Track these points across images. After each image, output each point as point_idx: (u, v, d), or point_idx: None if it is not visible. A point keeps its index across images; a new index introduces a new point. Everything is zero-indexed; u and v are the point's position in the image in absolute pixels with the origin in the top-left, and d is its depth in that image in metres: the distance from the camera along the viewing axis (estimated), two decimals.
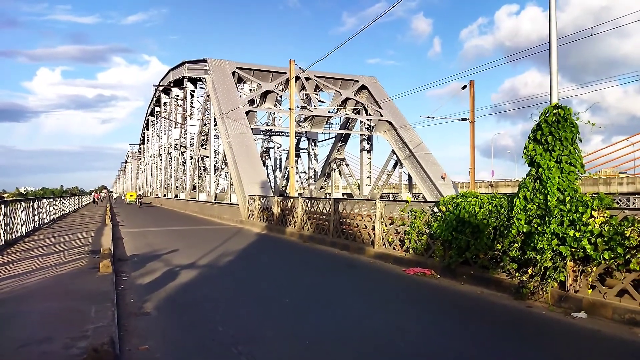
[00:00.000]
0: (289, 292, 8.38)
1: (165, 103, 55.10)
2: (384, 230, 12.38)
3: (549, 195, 7.47)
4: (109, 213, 26.74)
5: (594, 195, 7.18)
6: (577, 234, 6.83)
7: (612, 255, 6.42)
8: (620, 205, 10.60)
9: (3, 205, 13.39)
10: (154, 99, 57.94)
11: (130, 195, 67.79)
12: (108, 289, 7.51)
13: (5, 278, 8.32)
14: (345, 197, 38.86)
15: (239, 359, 4.92)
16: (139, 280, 9.24)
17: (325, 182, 43.74)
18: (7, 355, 4.60)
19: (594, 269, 6.77)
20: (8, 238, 13.57)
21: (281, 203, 20.78)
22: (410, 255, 11.03)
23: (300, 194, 33.54)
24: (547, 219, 7.35)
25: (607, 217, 6.77)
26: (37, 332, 5.23)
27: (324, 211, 16.38)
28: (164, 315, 6.73)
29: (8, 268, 9.40)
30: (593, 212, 6.87)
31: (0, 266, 9.61)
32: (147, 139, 75.50)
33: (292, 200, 19.72)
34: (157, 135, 64.20)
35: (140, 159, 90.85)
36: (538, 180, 7.75)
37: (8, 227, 13.73)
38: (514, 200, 8.11)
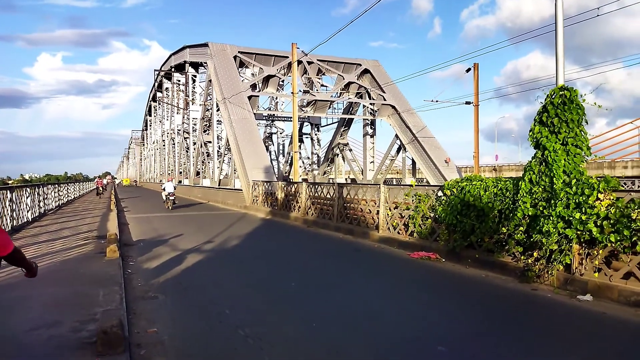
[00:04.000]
0: (294, 276, 8.43)
1: (167, 88, 54.86)
2: (388, 214, 12.38)
3: (554, 178, 7.44)
4: (114, 199, 26.85)
5: (600, 177, 7.14)
6: (583, 217, 6.81)
7: (619, 238, 6.41)
8: (625, 188, 10.54)
9: (8, 192, 13.45)
10: (156, 84, 57.71)
11: (126, 181, 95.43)
12: (115, 273, 7.57)
13: None
14: (349, 182, 38.88)
15: (246, 342, 4.97)
16: (146, 264, 9.31)
17: (329, 168, 43.69)
18: (18, 339, 4.65)
19: (600, 251, 6.77)
20: (14, 224, 13.65)
21: (285, 188, 20.80)
22: (415, 239, 11.05)
23: (304, 179, 33.53)
24: (552, 201, 7.33)
25: (613, 199, 6.74)
26: (46, 316, 5.29)
27: (328, 196, 16.39)
28: (171, 298, 6.78)
29: None
30: (599, 194, 6.84)
31: None
32: (150, 125, 75.39)
33: (295, 185, 19.73)
34: (160, 121, 64.11)
35: (143, 145, 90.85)
36: (544, 163, 7.71)
37: (14, 213, 13.80)
38: (520, 183, 8.08)
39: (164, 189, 25.24)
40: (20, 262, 3.16)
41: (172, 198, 24.31)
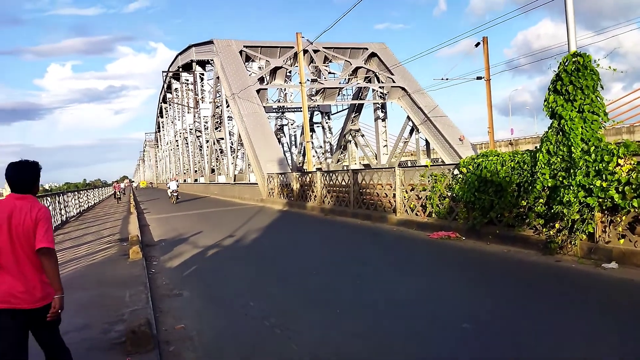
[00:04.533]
0: (315, 265, 8.46)
1: (176, 89, 55.12)
2: (405, 197, 12.32)
3: (572, 147, 7.29)
4: (133, 202, 27.23)
5: (619, 143, 6.98)
6: (604, 184, 6.69)
7: None
8: None
9: None
10: (165, 85, 58.02)
11: (143, 183, 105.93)
12: (139, 273, 7.69)
13: None
14: (363, 168, 38.74)
15: (272, 332, 5.01)
16: (169, 263, 9.43)
17: (342, 155, 43.56)
18: None
19: (623, 217, 6.65)
20: None
21: (300, 179, 20.83)
22: (433, 219, 10.98)
23: (318, 169, 33.53)
24: (572, 171, 7.20)
25: (634, 164, 6.59)
26: (76, 320, 5.39)
27: (343, 183, 16.37)
28: (196, 294, 6.87)
29: None
30: (619, 160, 6.70)
31: None
32: (162, 126, 75.98)
33: (310, 175, 19.74)
34: (172, 122, 64.52)
35: (158, 146, 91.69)
36: (561, 132, 7.56)
37: None
38: (537, 154, 7.95)
39: (169, 187, 31.86)
40: (53, 267, 3.15)
41: (176, 194, 30.44)
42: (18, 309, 3.04)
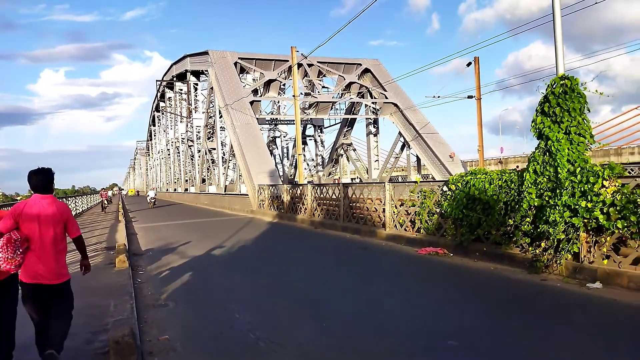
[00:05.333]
0: (302, 278, 8.45)
1: (169, 98, 55.16)
2: (394, 212, 12.38)
3: (559, 168, 7.42)
4: (121, 210, 27.01)
5: (604, 165, 7.12)
6: (589, 205, 6.80)
7: (626, 224, 6.39)
8: (632, 174, 10.40)
9: None
10: (158, 94, 58.03)
11: (132, 191, 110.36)
12: (125, 283, 7.63)
13: None
14: (355, 181, 38.84)
15: (257, 344, 5.00)
16: (155, 273, 9.36)
17: (334, 168, 43.71)
18: (31, 352, 4.70)
19: (608, 238, 6.75)
20: None
21: (290, 191, 20.84)
22: (422, 235, 11.04)
23: (309, 182, 33.54)
24: (558, 191, 7.32)
25: (619, 186, 6.72)
26: None
27: (334, 197, 16.41)
28: (181, 305, 6.82)
29: None
30: (604, 181, 6.83)
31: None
32: (154, 135, 75.76)
33: (301, 187, 19.76)
34: (164, 131, 64.38)
35: (149, 155, 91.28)
36: (547, 153, 7.69)
37: None
38: (524, 174, 8.07)
39: (148, 195, 39.25)
40: (84, 247, 4.57)
41: (153, 200, 37.20)
42: (41, 284, 4.11)
